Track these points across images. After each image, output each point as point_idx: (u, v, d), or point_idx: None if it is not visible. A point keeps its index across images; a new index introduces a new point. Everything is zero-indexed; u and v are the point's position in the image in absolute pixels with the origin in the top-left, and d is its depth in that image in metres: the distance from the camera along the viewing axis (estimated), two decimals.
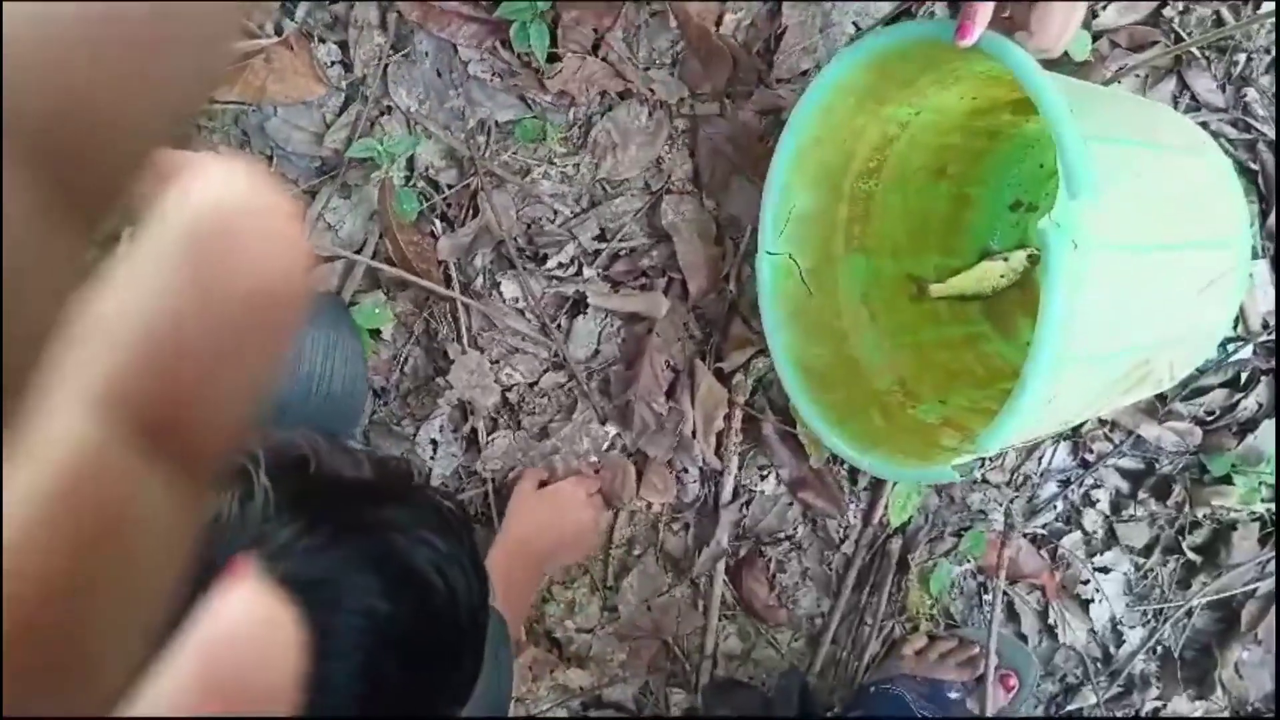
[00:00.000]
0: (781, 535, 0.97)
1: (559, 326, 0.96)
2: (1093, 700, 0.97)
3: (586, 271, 0.95)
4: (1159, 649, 0.98)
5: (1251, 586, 0.96)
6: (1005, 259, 0.89)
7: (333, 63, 0.97)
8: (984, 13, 0.61)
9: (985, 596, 0.98)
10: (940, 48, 0.65)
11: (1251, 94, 0.89)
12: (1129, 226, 0.64)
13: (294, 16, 0.94)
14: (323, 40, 0.95)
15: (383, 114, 0.96)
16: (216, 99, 0.97)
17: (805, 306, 0.85)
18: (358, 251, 0.97)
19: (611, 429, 0.95)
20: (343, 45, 0.96)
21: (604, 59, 0.94)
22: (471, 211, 0.96)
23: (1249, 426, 0.93)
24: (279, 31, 0.94)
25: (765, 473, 0.96)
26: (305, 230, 0.37)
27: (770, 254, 0.82)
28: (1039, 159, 0.89)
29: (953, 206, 0.90)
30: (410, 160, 0.95)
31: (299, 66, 0.96)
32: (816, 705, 0.73)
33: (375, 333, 0.95)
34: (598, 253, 0.96)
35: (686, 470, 0.96)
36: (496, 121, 0.95)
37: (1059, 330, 0.58)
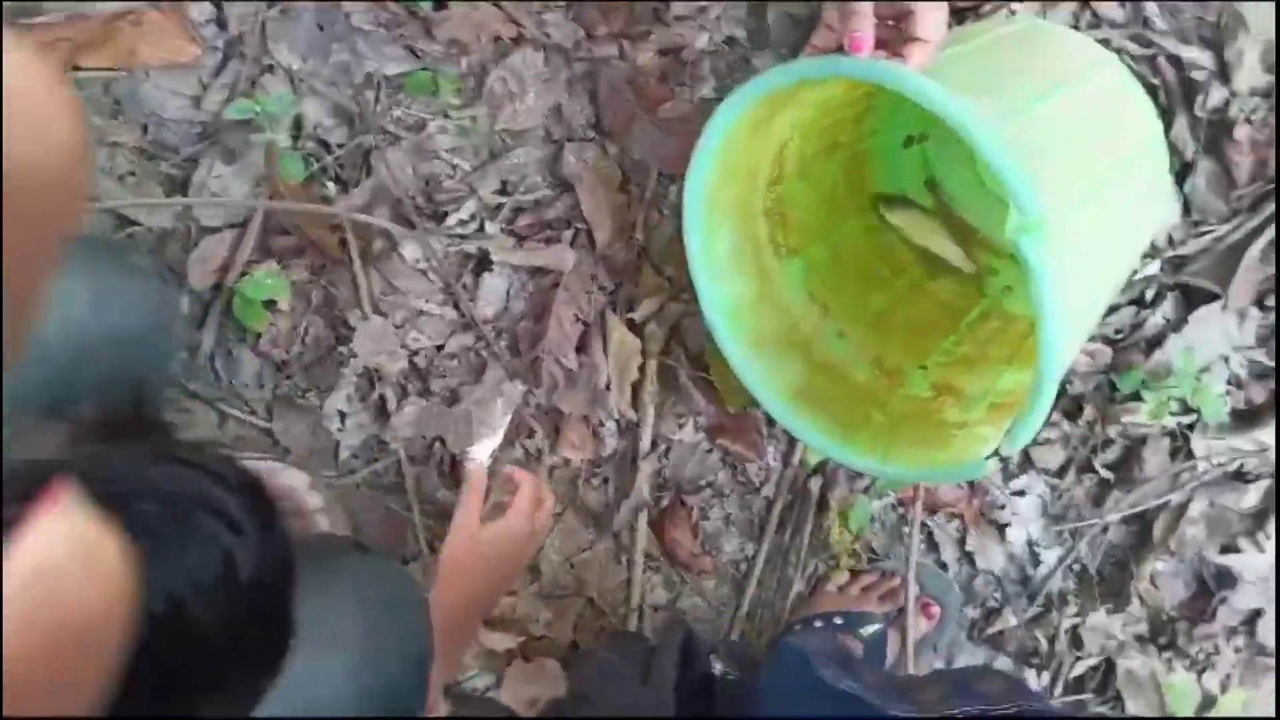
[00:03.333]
0: (702, 483, 0.99)
1: (464, 286, 0.96)
2: (1013, 622, 1.02)
3: (489, 227, 0.95)
4: (1076, 566, 1.03)
5: (1164, 499, 1.04)
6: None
7: (206, 21, 0.95)
8: (867, 23, 0.65)
9: (905, 529, 1.00)
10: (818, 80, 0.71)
11: (1150, 8, 0.93)
12: (1071, 192, 0.70)
13: None
14: None
15: (263, 73, 0.94)
16: (82, 65, 0.92)
17: (765, 332, 0.89)
18: (246, 220, 0.94)
19: (523, 387, 0.93)
20: (216, 3, 0.93)
21: (495, 3, 0.93)
22: (365, 171, 0.95)
23: (1156, 342, 1.01)
24: None
25: (683, 421, 0.98)
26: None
27: (716, 301, 0.86)
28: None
29: (852, 168, 0.96)
30: (297, 120, 0.93)
31: (170, 27, 0.94)
32: (701, 655, 0.75)
33: (271, 304, 0.95)
34: (500, 207, 0.96)
35: (603, 424, 0.97)
36: (385, 75, 0.94)
37: (1060, 329, 0.65)
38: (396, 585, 0.72)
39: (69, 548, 0.38)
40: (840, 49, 0.67)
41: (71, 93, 0.36)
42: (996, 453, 0.72)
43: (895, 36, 0.66)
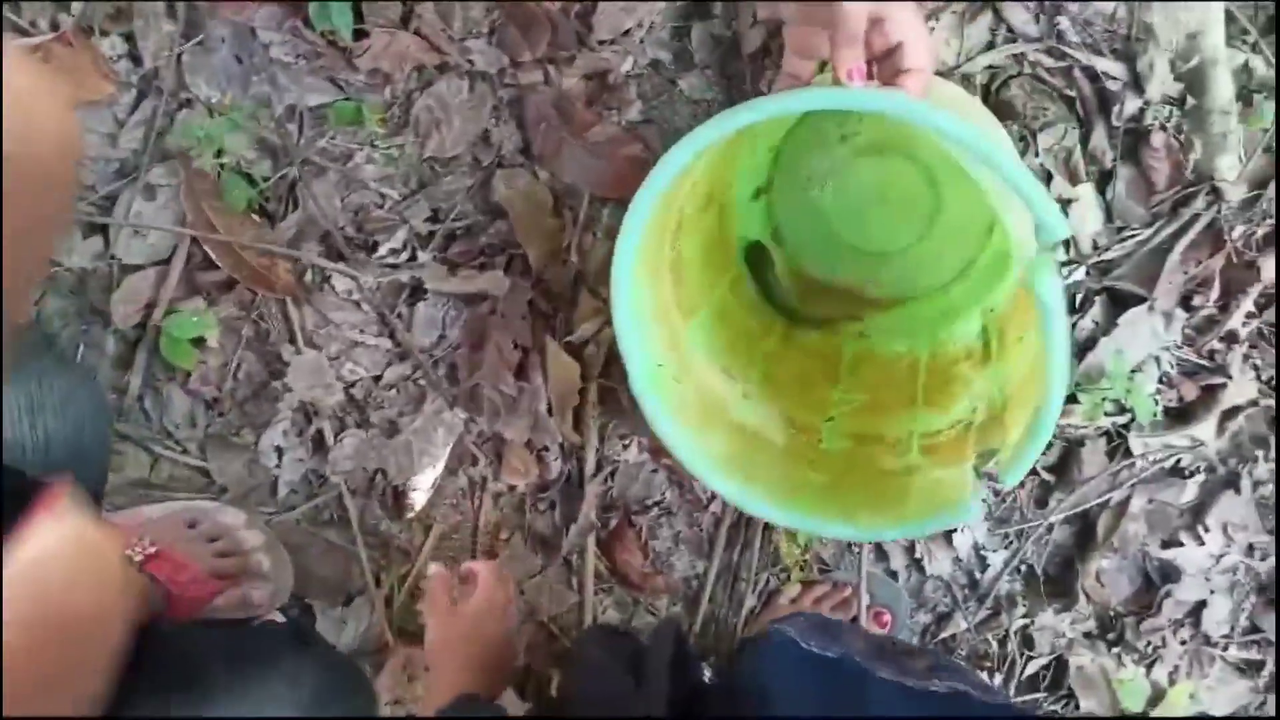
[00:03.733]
0: (649, 502, 1.01)
1: (399, 316, 0.97)
2: (964, 625, 1.05)
3: (421, 256, 0.96)
4: (1022, 568, 1.07)
5: (1105, 498, 1.08)
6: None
7: (119, 56, 0.95)
8: (861, 51, 0.65)
9: (853, 543, 1.02)
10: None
11: (1064, 22, 0.97)
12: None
13: (70, 10, 0.90)
14: (105, 33, 0.92)
15: (181, 107, 0.94)
16: None
17: (687, 400, 0.86)
18: (170, 256, 0.94)
19: (463, 415, 0.95)
20: (128, 37, 0.95)
21: (416, 32, 0.94)
22: (291, 204, 0.95)
23: (1088, 346, 1.04)
24: (55, 27, 0.91)
25: (627, 442, 1.00)
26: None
27: (641, 373, 0.82)
28: (767, 143, 0.97)
29: (717, 222, 0.96)
30: (218, 154, 0.93)
31: (82, 63, 0.93)
32: (692, 652, 0.76)
33: (200, 341, 0.95)
34: (432, 235, 0.98)
35: (547, 448, 0.99)
36: (308, 107, 0.96)
37: (1066, 358, 0.66)
38: (337, 680, 0.72)
39: (66, 548, 0.40)
40: (816, 79, 0.68)
41: (65, 88, 0.38)
42: (992, 483, 0.75)
43: (881, 68, 0.68)
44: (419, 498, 1.00)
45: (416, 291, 1.00)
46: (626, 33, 0.98)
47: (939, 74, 0.97)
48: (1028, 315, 0.73)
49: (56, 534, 0.40)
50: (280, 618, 1.00)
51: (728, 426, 0.89)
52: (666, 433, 0.82)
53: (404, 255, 1.00)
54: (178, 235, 0.96)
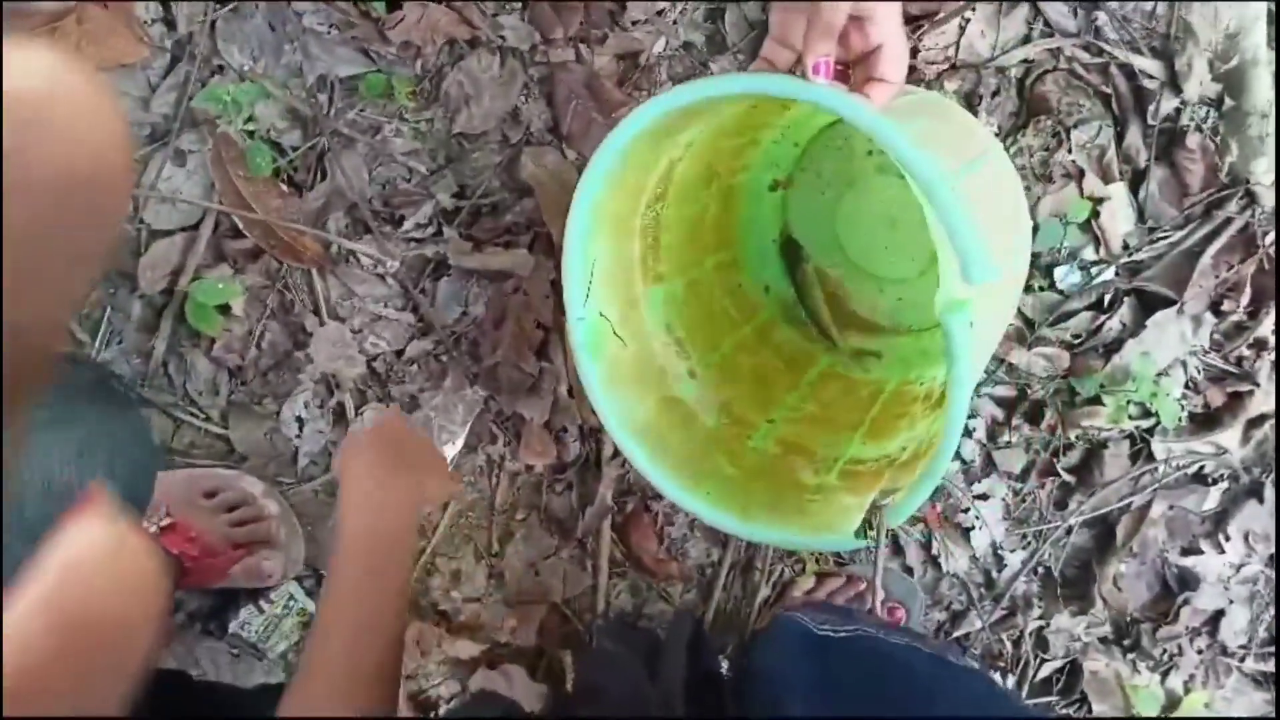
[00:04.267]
0: None
1: (422, 291, 1.00)
2: (979, 625, 1.07)
3: (446, 231, 0.99)
4: (1040, 569, 1.09)
5: (1125, 502, 1.09)
6: None
7: (154, 20, 0.98)
8: (833, 47, 0.65)
9: (870, 532, 1.05)
10: (757, 97, 0.69)
11: (1102, 17, 0.98)
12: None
13: None
14: None
15: (213, 74, 0.98)
16: None
17: (621, 360, 0.88)
18: (197, 225, 0.98)
19: (483, 392, 0.98)
20: (164, 1, 0.96)
21: (448, 5, 0.96)
22: (320, 174, 0.98)
23: (1114, 347, 1.06)
24: None
25: None
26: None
27: (581, 320, 0.83)
28: (794, 139, 0.99)
29: (721, 202, 0.98)
30: (248, 121, 0.96)
31: (117, 26, 0.97)
32: (709, 644, 0.78)
33: (225, 309, 0.98)
34: (458, 210, 1.00)
35: (566, 429, 1.02)
36: (339, 77, 0.98)
37: (966, 394, 0.66)
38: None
39: (103, 552, 0.42)
40: (794, 68, 0.69)
41: (111, 94, 0.39)
42: (867, 526, 0.75)
43: (856, 71, 0.68)
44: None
45: (441, 267, 1.04)
46: (660, 13, 1.01)
47: (929, 83, 1.00)
48: (934, 441, 0.73)
49: (94, 536, 0.41)
50: (296, 589, 1.04)
51: (659, 397, 0.90)
52: (590, 384, 0.84)
53: (429, 230, 1.03)
54: (206, 203, 1.00)
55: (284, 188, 1.02)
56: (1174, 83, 0.96)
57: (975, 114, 1.01)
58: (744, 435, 0.91)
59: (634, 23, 1.01)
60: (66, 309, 0.41)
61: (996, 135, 1.01)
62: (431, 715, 1.02)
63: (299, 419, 1.04)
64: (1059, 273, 1.04)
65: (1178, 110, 0.97)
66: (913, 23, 0.98)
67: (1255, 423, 1.05)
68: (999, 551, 1.10)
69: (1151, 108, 0.97)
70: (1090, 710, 1.11)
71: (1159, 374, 1.04)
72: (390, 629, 0.69)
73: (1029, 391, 1.07)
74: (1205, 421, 1.06)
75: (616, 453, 1.05)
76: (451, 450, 1.03)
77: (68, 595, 0.40)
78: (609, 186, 0.77)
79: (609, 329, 0.85)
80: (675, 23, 1.01)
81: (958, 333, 0.62)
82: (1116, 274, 1.04)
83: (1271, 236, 0.99)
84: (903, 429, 0.87)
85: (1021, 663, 1.10)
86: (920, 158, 0.62)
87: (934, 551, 1.09)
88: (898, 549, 1.10)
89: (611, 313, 0.86)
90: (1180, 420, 1.05)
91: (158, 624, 0.44)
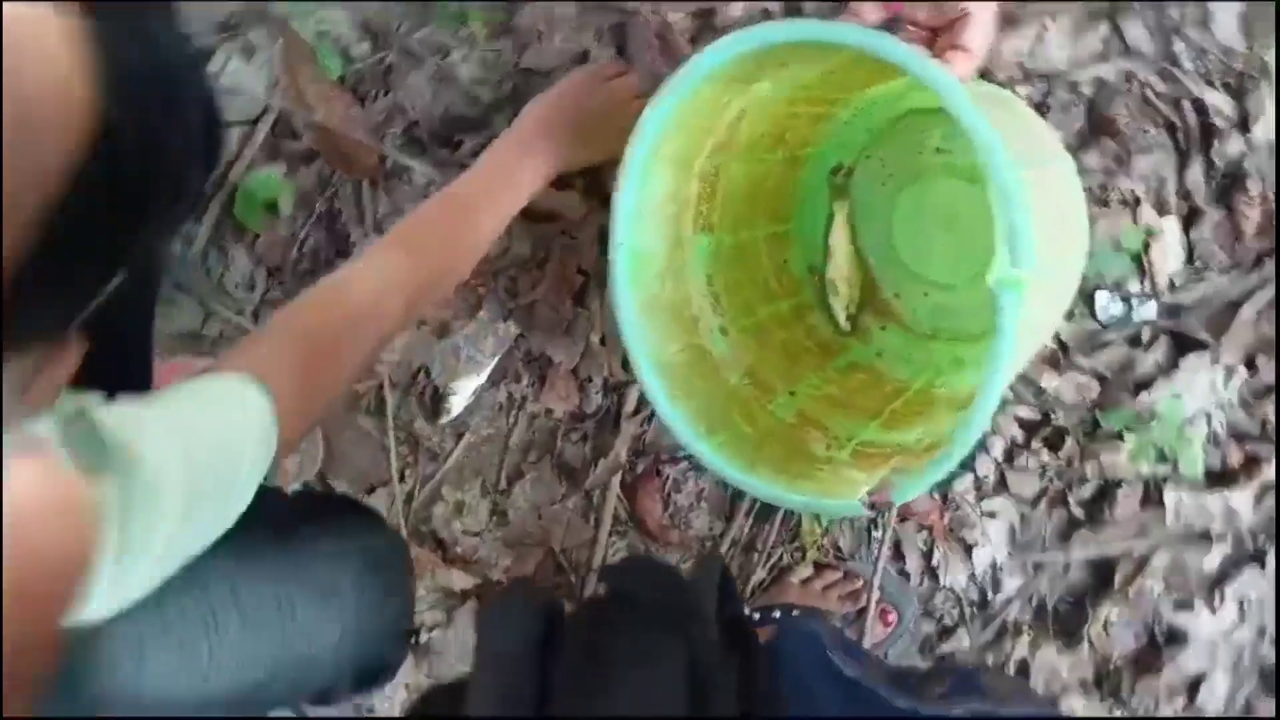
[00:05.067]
0: (681, 454, 1.09)
1: None
2: (966, 643, 1.12)
3: None
4: (1034, 599, 1.13)
5: (1129, 546, 1.12)
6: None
7: None
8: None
9: (874, 533, 1.10)
10: (839, 50, 0.73)
11: (1180, 46, 1.03)
12: (1041, 263, 0.74)
13: None
14: None
15: None
16: None
17: (658, 297, 0.92)
18: (255, 120, 1.03)
19: (515, 329, 1.03)
20: None
21: None
22: (384, 89, 1.03)
23: (1145, 385, 1.11)
24: None
25: None
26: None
27: (622, 245, 0.87)
28: (867, 123, 1.04)
29: (783, 171, 1.04)
30: (321, 24, 1.01)
31: None
32: (737, 600, 0.81)
33: (272, 206, 1.03)
34: None
35: (590, 379, 1.07)
36: None
37: (1003, 379, 0.70)
38: (392, 547, 0.85)
39: (39, 491, 0.44)
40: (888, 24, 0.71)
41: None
42: (871, 500, 0.78)
43: (940, 39, 0.73)
44: (457, 403, 1.09)
45: None
46: None
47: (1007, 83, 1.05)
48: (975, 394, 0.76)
49: (38, 487, 0.44)
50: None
51: (688, 343, 0.94)
52: (624, 312, 0.87)
53: None
54: (268, 101, 1.05)
55: (347, 95, 1.07)
56: (1244, 123, 1.01)
57: None
58: (764, 400, 0.96)
59: None
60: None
61: None
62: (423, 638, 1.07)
63: None
64: (1100, 301, 1.09)
65: (1243, 153, 1.02)
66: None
67: (1269, 489, 1.09)
68: (998, 573, 1.15)
69: (1217, 145, 1.02)
70: None
71: (1184, 421, 1.09)
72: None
73: (1053, 417, 1.12)
74: (1219, 479, 1.09)
75: (637, 410, 1.11)
76: (475, 382, 1.08)
77: (11, 546, 0.43)
78: (676, 118, 0.81)
79: (649, 261, 0.89)
80: None
81: (1008, 307, 0.67)
82: (1158, 312, 1.08)
83: None
84: (921, 422, 0.92)
85: None
86: (986, 125, 0.66)
87: (934, 562, 1.14)
88: (899, 553, 1.15)
89: (657, 247, 0.90)
90: (1197, 473, 1.09)
91: (84, 567, 0.48)
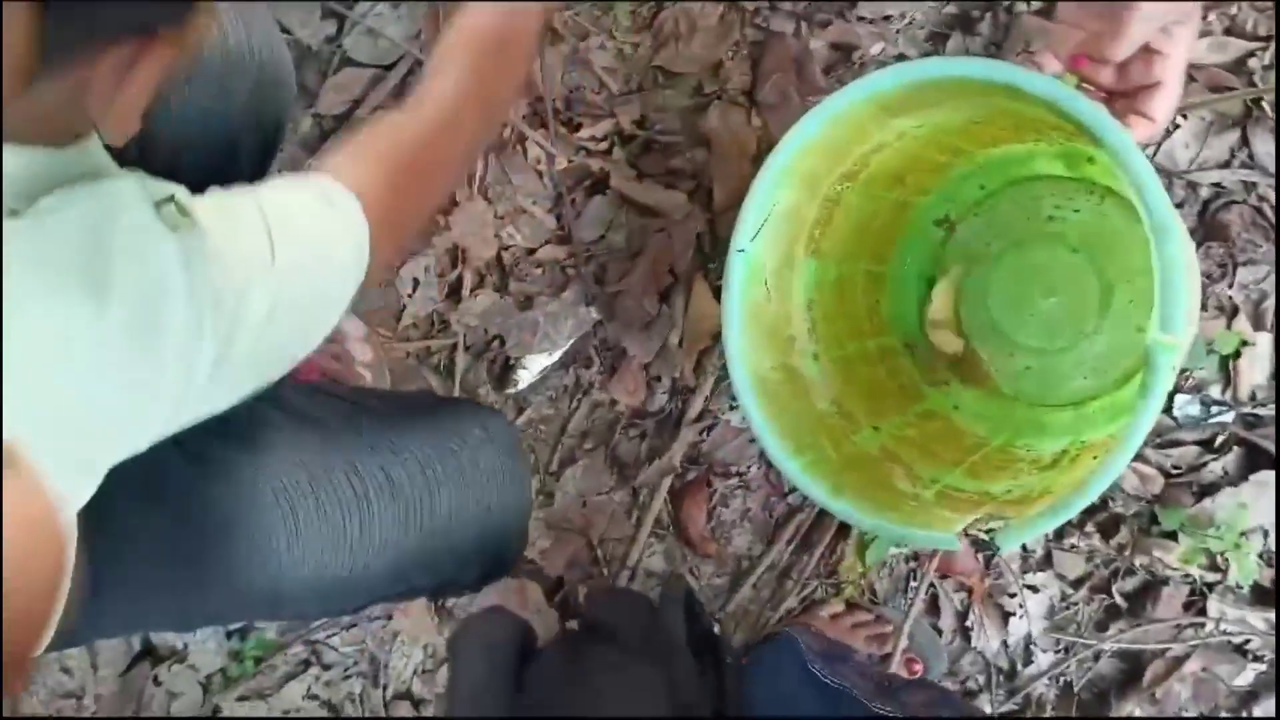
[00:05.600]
0: (734, 470, 1.13)
1: (573, 201, 1.09)
2: (988, 709, 1.14)
3: (617, 153, 1.09)
4: (1062, 680, 1.15)
5: (1164, 646, 1.16)
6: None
7: None
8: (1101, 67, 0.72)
9: (912, 583, 1.13)
10: (1008, 91, 0.77)
11: None
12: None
13: None
14: None
15: None
16: None
17: (764, 312, 0.96)
18: (390, 66, 1.08)
19: (596, 316, 1.07)
20: None
21: None
22: None
23: (1209, 490, 1.13)
24: None
25: (735, 404, 1.11)
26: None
27: (742, 253, 0.91)
28: (982, 180, 1.08)
29: (893, 212, 1.08)
30: None
31: None
32: (704, 617, 0.86)
33: None
34: (633, 138, 1.11)
35: (659, 379, 1.11)
36: None
37: (1139, 441, 0.74)
38: (515, 433, 0.88)
39: (12, 527, 0.43)
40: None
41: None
42: (988, 535, 0.82)
43: (1119, 103, 0.75)
44: (525, 377, 1.13)
45: (598, 185, 1.14)
46: (887, 18, 1.11)
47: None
48: (1114, 446, 0.79)
49: (9, 510, 0.42)
50: None
51: (784, 362, 0.98)
52: (730, 318, 0.91)
53: (601, 145, 1.13)
54: (407, 49, 1.10)
55: None
56: None
57: None
58: (849, 430, 1.00)
59: (860, 19, 1.11)
60: None
61: None
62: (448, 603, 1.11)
63: (415, 280, 1.15)
64: (1179, 400, 1.12)
65: None
66: None
67: None
68: (1030, 647, 1.18)
69: None
70: None
71: (1243, 532, 1.11)
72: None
73: (1111, 504, 1.15)
74: (1265, 597, 1.13)
75: (699, 418, 1.15)
76: (546, 360, 1.12)
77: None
78: (822, 135, 0.86)
79: (760, 274, 0.93)
80: (899, 31, 1.11)
81: (1164, 369, 0.71)
82: (1234, 420, 1.11)
83: None
84: (1006, 478, 0.96)
85: None
86: (1162, 192, 0.70)
87: (968, 623, 1.17)
88: (934, 608, 1.17)
89: (769, 262, 0.94)
90: (1248, 584, 1.11)
91: (63, 584, 0.47)
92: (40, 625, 0.47)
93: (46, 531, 0.46)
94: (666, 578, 1.12)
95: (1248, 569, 1.11)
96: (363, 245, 0.62)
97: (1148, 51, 0.71)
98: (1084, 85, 0.78)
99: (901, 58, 1.12)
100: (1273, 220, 1.08)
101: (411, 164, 0.70)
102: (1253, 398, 1.11)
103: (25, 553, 0.44)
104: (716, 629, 0.96)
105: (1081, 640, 1.16)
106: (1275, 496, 1.09)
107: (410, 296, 1.15)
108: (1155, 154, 1.09)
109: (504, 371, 1.15)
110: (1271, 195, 1.08)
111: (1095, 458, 0.91)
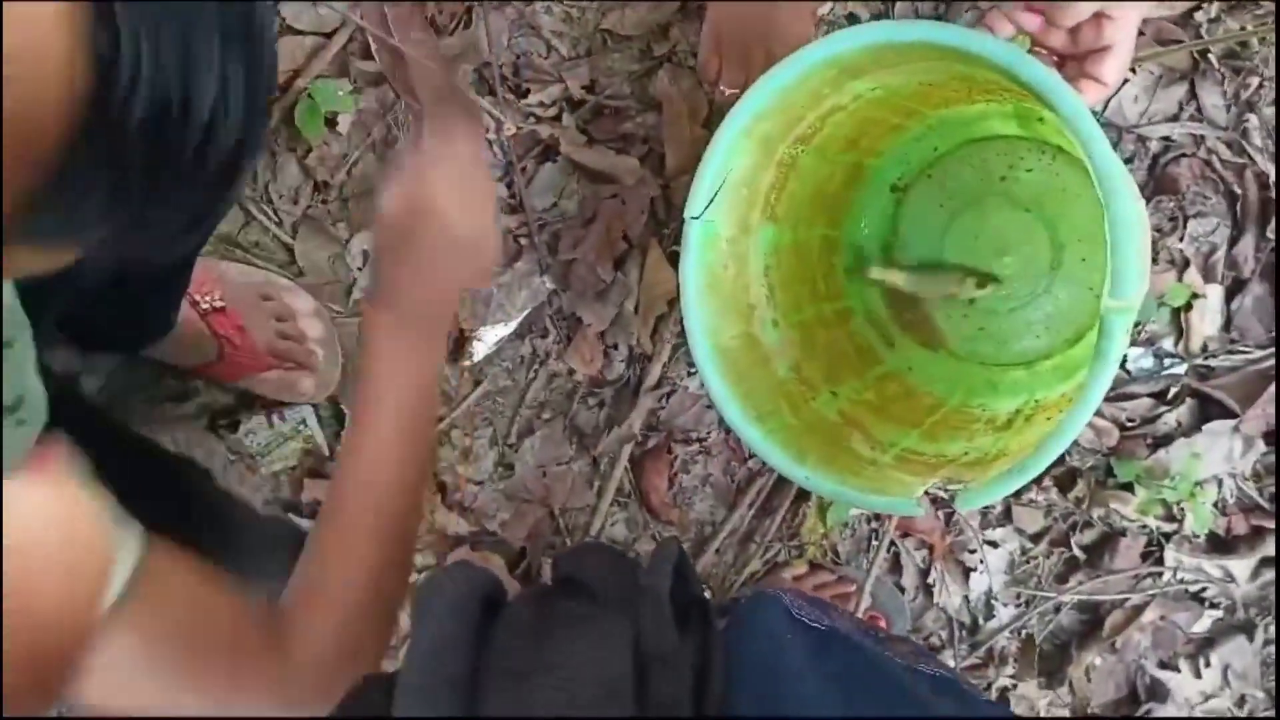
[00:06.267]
0: (694, 436, 1.16)
1: (523, 169, 1.11)
2: (951, 664, 1.19)
3: (566, 119, 1.11)
4: (1023, 632, 1.20)
5: (1123, 596, 1.21)
6: (963, 281, 1.10)
7: None
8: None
9: (874, 542, 1.18)
10: (961, 55, 0.79)
11: (1253, 121, 1.10)
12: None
13: None
14: None
15: None
16: None
17: (722, 279, 0.99)
18: (330, 34, 1.09)
19: (551, 286, 1.10)
20: None
21: None
22: (465, 24, 1.09)
23: (1163, 441, 1.19)
24: None
25: (694, 370, 1.14)
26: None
27: (696, 220, 0.93)
28: (935, 142, 1.12)
29: (847, 176, 1.11)
30: None
31: None
32: (695, 583, 0.88)
33: (332, 122, 1.08)
34: (582, 103, 1.13)
35: (616, 347, 1.14)
36: None
37: (1094, 405, 0.77)
38: None
39: (47, 523, 0.44)
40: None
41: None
42: (948, 497, 0.86)
43: (1069, 66, 0.78)
44: (479, 349, 1.16)
45: (548, 152, 1.17)
46: None
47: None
48: (1067, 406, 0.83)
49: (42, 503, 0.43)
50: (310, 415, 1.15)
51: (743, 330, 1.01)
52: (688, 288, 0.93)
53: (550, 112, 1.15)
54: (346, 16, 1.11)
55: (427, 25, 1.13)
56: None
57: None
58: (808, 395, 1.04)
59: None
60: None
61: None
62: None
63: (365, 253, 1.16)
64: (1133, 353, 1.17)
65: None
66: None
67: (1267, 563, 1.18)
68: (991, 601, 1.23)
69: (1273, 222, 1.10)
70: None
71: (1197, 482, 1.17)
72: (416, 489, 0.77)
73: (1068, 458, 1.20)
74: (1221, 545, 1.19)
75: (658, 384, 1.18)
76: (502, 331, 1.15)
77: (13, 575, 0.42)
78: (778, 99, 0.88)
79: (718, 241, 0.96)
80: None
81: (1119, 333, 0.74)
82: (1186, 372, 1.16)
83: None
84: (962, 439, 1.00)
85: None
86: (1112, 155, 0.73)
87: (930, 580, 1.22)
88: (896, 566, 1.22)
89: (725, 229, 0.97)
90: (1203, 534, 1.17)
91: (100, 604, 0.46)
92: (82, 633, 0.47)
93: (89, 543, 0.47)
94: (662, 541, 1.14)
95: (1203, 518, 1.17)
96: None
97: (1099, 15, 0.75)
98: (1035, 49, 0.81)
99: (852, 17, 1.15)
100: (1222, 173, 1.13)
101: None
102: (1204, 349, 1.16)
103: (67, 564, 0.45)
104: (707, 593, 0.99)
105: (1042, 593, 1.21)
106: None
107: (360, 270, 1.17)
108: (1105, 109, 1.13)
109: (459, 344, 1.17)
110: (1221, 148, 1.13)
111: (1049, 418, 0.96)
